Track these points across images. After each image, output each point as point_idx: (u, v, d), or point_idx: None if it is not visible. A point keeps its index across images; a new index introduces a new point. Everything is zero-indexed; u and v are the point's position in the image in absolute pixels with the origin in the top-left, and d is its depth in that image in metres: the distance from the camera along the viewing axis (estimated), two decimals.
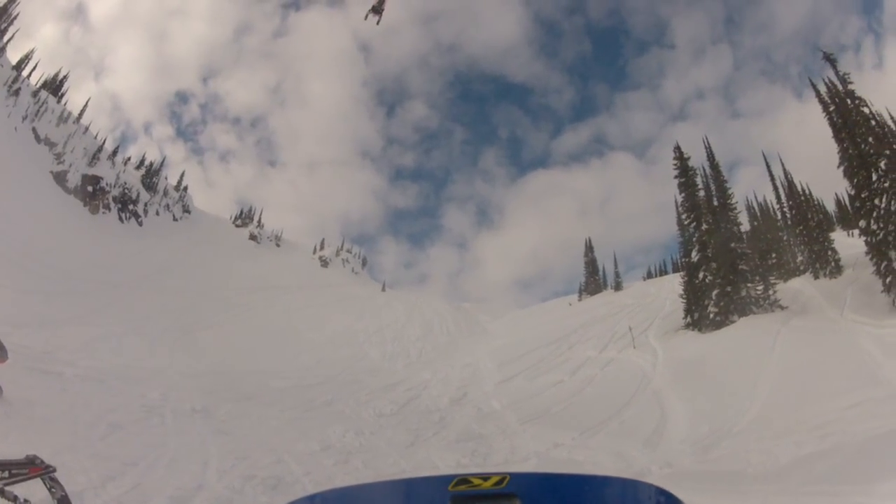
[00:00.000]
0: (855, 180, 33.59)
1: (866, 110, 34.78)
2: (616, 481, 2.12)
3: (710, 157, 42.72)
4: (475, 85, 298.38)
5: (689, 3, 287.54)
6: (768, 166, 57.04)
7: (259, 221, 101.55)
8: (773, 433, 16.03)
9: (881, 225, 30.80)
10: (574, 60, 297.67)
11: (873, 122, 34.68)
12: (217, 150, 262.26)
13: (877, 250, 30.88)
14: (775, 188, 56.17)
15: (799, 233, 47.45)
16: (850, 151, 34.24)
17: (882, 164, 31.20)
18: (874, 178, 31.47)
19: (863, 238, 33.39)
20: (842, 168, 35.02)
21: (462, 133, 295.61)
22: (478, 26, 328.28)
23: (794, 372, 21.28)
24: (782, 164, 57.21)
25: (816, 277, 41.36)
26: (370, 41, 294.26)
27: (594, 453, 15.53)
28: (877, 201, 31.30)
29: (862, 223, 32.87)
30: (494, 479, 1.91)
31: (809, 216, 49.86)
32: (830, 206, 74.06)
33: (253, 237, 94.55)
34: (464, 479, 1.93)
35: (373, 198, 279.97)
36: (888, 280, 29.47)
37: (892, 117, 42.40)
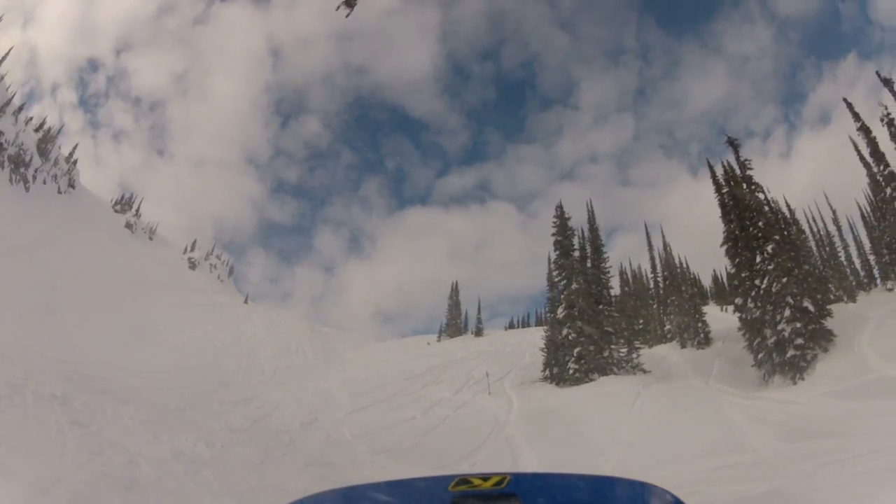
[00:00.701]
0: (737, 260, 36.48)
1: (761, 196, 37.99)
2: (616, 481, 2.36)
3: (591, 219, 45.07)
4: (373, 111, 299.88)
5: (605, 68, 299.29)
6: (648, 236, 61.17)
7: (137, 210, 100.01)
8: (647, 475, 17.16)
9: (759, 304, 33.62)
10: (476, 105, 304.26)
11: (767, 208, 37.92)
12: (112, 128, 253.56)
13: (751, 327, 33.74)
14: (651, 258, 60.08)
15: (671, 302, 50.71)
16: (737, 232, 37.11)
17: (769, 248, 34.10)
18: (758, 259, 34.32)
19: (737, 314, 36.29)
20: (725, 247, 37.92)
21: (350, 157, 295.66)
22: (391, 54, 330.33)
23: (655, 432, 22.61)
24: (663, 236, 61.53)
25: (683, 346, 44.30)
26: (282, 47, 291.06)
27: None
28: (757, 281, 34.13)
29: (738, 300, 35.72)
30: (495, 480, 2.11)
31: (684, 288, 53.46)
32: (707, 281, 79.51)
33: (129, 225, 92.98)
34: (464, 480, 2.13)
35: (250, 206, 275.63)
36: (760, 356, 32.37)
37: (787, 205, 46.08)
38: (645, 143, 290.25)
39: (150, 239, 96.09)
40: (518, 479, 2.15)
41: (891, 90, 33.62)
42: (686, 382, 33.31)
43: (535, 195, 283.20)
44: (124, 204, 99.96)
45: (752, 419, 22.81)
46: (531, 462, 19.42)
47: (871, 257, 58.56)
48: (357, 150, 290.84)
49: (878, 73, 34.40)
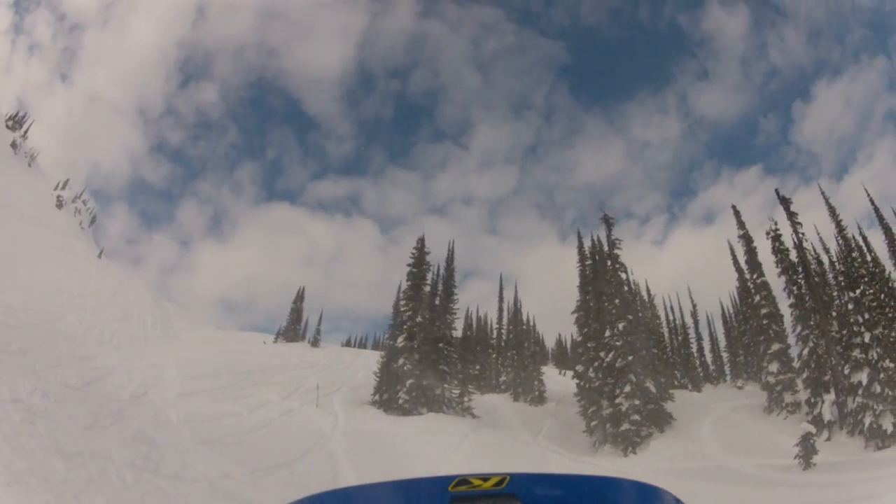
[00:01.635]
0: (585, 329, 39.37)
1: (623, 275, 41.06)
2: (616, 482, 2.52)
3: (450, 259, 47.89)
4: (271, 96, 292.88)
5: (505, 118, 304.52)
6: (501, 287, 64.73)
7: (26, 132, 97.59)
8: None
9: (600, 375, 36.49)
10: (370, 118, 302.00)
11: (626, 288, 41.03)
12: (32, 38, 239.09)
13: (589, 395, 36.59)
14: (500, 308, 63.20)
15: (510, 355, 53.58)
16: (591, 304, 40.01)
17: (620, 325, 37.07)
18: (608, 333, 37.25)
19: (576, 380, 39.04)
20: (576, 315, 40.77)
21: (235, 136, 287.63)
22: (306, 45, 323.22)
23: (482, 468, 24.54)
24: (516, 290, 64.72)
25: (516, 400, 46.95)
26: (209, 6, 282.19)
27: (262, 494, 17.07)
28: (602, 354, 37.10)
29: (580, 367, 38.63)
30: (495, 480, 2.22)
31: (526, 344, 56.44)
32: (550, 342, 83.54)
33: (14, 145, 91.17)
34: (464, 480, 2.24)
35: (127, 159, 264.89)
36: (593, 423, 35.10)
37: (648, 289, 49.54)
38: (523, 198, 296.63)
39: (29, 165, 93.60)
40: (518, 479, 2.29)
41: (786, 209, 37.20)
42: (515, 434, 35.63)
43: (401, 221, 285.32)
44: (17, 120, 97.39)
45: None
46: (350, 483, 20.35)
47: (725, 354, 63.82)
48: (244, 131, 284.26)
49: (777, 190, 38.00)
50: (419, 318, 41.94)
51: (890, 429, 29.02)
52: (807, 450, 26.05)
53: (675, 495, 2.37)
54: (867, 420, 29.81)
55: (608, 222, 44.92)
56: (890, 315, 43.58)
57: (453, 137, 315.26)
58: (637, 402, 35.62)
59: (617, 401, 35.77)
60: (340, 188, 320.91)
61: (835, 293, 43.60)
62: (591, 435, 36.06)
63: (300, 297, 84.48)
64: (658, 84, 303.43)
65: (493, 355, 62.69)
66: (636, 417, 35.01)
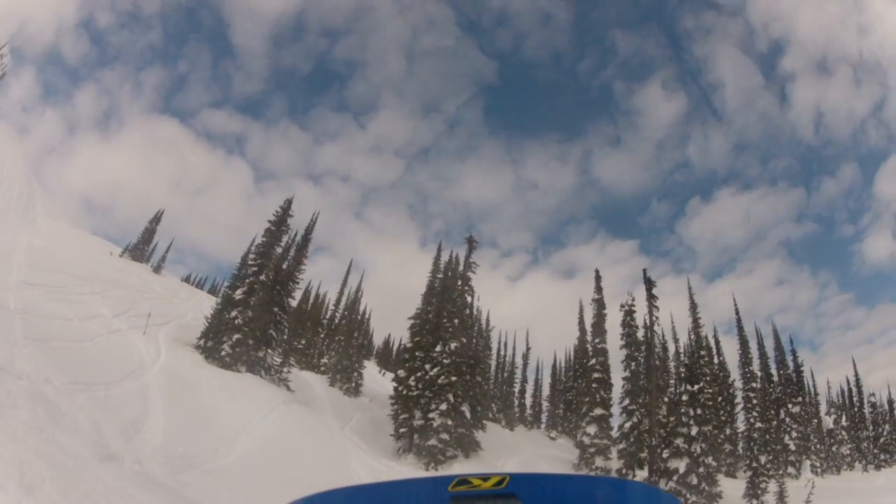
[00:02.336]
0: (417, 339, 41.06)
1: (469, 299, 43.40)
2: (616, 482, 2.61)
3: (309, 229, 50.04)
4: (205, 11, 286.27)
5: (412, 113, 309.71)
6: (348, 273, 67.03)
7: None
8: (258, 483, 19.82)
9: (420, 386, 38.08)
10: (286, 67, 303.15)
11: (468, 311, 43.54)
12: None
13: (405, 402, 37.99)
14: (341, 293, 65.08)
15: (338, 340, 55.29)
16: (430, 316, 41.92)
17: (452, 345, 38.93)
18: (439, 348, 38.90)
19: (395, 384, 40.58)
20: (412, 321, 42.66)
21: (157, 37, 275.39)
22: None
23: (282, 448, 25.48)
24: (361, 280, 68.45)
25: (332, 384, 48.31)
26: None
27: (75, 408, 17.18)
28: (428, 366, 38.63)
29: (402, 373, 40.01)
30: (494, 480, 2.36)
31: (356, 335, 58.26)
32: (378, 339, 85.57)
33: None
34: (464, 480, 2.38)
35: (55, 26, 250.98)
36: (402, 430, 36.56)
37: (488, 319, 52.43)
38: (399, 194, 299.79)
39: None
40: (518, 479, 2.38)
41: (648, 290, 39.71)
42: (324, 419, 36.49)
43: (276, 176, 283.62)
44: None
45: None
46: (160, 423, 21.09)
47: (546, 403, 67.53)
48: (167, 35, 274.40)
49: (644, 270, 40.37)
50: (263, 277, 42.70)
51: None
52: None
53: (675, 496, 2.49)
54: None
55: (471, 244, 46.96)
56: (723, 418, 47.51)
57: (355, 114, 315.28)
58: (450, 422, 37.23)
59: (430, 415, 37.20)
60: (232, 124, 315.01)
61: (672, 381, 47.11)
62: (398, 440, 37.35)
63: (157, 219, 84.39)
64: (569, 134, 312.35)
65: (322, 335, 64.11)
66: (445, 436, 36.57)
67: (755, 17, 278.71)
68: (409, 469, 33.54)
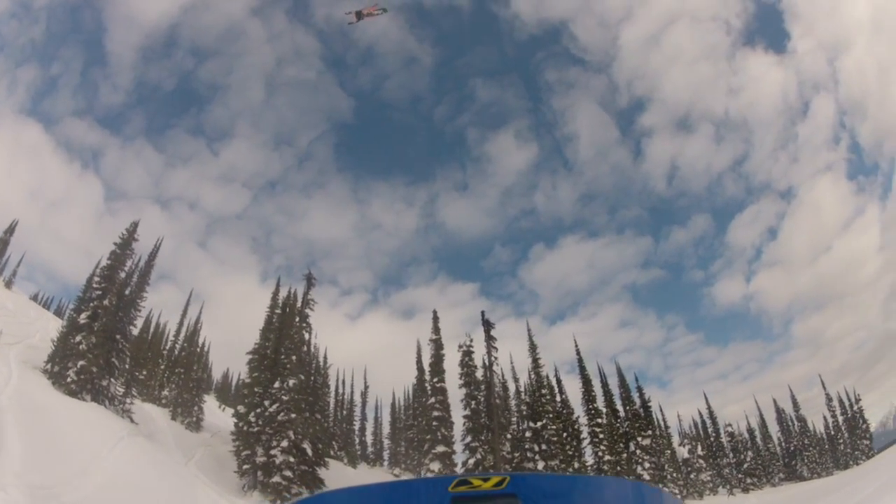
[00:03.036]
0: (256, 374, 41.03)
1: (307, 336, 44.98)
2: (616, 482, 2.83)
3: (153, 255, 48.95)
4: (87, 12, 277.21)
5: (264, 145, 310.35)
6: (188, 303, 65.98)
7: None
8: None
9: (261, 423, 37.95)
10: (151, 81, 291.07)
11: (306, 349, 44.36)
12: None
13: (246, 438, 37.80)
14: (181, 323, 63.78)
15: (177, 372, 54.54)
16: (268, 352, 42.50)
17: (291, 381, 39.72)
18: (278, 384, 39.31)
19: (235, 419, 40.32)
20: (251, 356, 42.52)
21: (40, 32, 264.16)
22: None
23: (135, 478, 25.45)
24: (200, 311, 66.90)
25: (174, 419, 47.45)
26: None
27: None
28: (268, 403, 38.57)
29: (242, 409, 39.77)
30: (495, 480, 2.43)
31: (196, 367, 57.53)
32: (217, 373, 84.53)
33: None
34: (464, 480, 2.45)
35: None
36: (245, 467, 36.11)
37: (325, 356, 52.94)
38: (243, 226, 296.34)
39: None
40: (518, 479, 2.45)
41: (487, 332, 40.87)
42: (170, 454, 36.04)
43: (126, 197, 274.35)
44: None
45: None
46: (17, 451, 20.62)
47: (387, 441, 68.72)
48: (49, 34, 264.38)
49: (483, 312, 41.45)
50: (106, 302, 41.60)
51: None
52: None
53: (676, 496, 2.64)
54: None
55: (309, 280, 47.55)
56: (570, 452, 48.94)
57: (210, 139, 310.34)
58: (292, 459, 37.28)
59: (272, 452, 37.21)
60: (91, 136, 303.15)
61: (514, 419, 48.34)
62: (242, 477, 37.07)
63: (11, 230, 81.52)
64: (417, 177, 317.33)
65: (163, 367, 62.55)
66: (288, 474, 36.58)
67: (620, 75, 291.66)
68: None
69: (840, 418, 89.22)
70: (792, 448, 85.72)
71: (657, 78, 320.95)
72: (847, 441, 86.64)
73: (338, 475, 44.28)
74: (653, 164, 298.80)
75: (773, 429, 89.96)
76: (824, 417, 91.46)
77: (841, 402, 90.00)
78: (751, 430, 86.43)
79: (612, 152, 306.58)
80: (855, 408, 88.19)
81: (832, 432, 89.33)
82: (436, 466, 43.99)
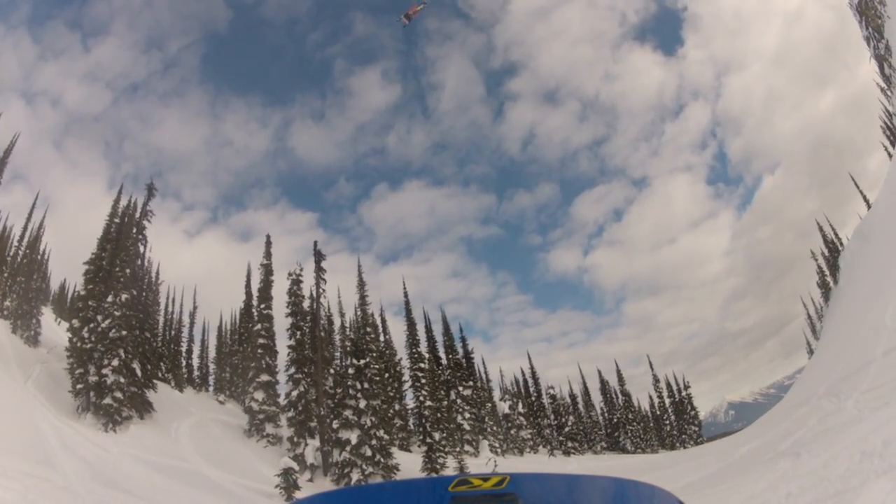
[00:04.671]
0: (91, 286, 39.55)
1: (142, 249, 44.79)
2: (616, 482, 2.63)
3: (9, 150, 48.54)
4: None
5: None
6: (34, 206, 60.67)
7: None
8: None
9: (93, 339, 36.38)
10: None
11: (140, 263, 45.04)
12: None
13: (79, 356, 36.26)
14: (26, 227, 59.52)
15: (18, 281, 50.84)
16: (104, 264, 41.06)
17: (124, 296, 39.05)
18: (110, 299, 38.64)
19: (69, 335, 38.66)
20: (87, 267, 40.57)
21: None
22: None
23: None
24: (44, 216, 61.36)
25: (14, 331, 44.63)
26: None
27: None
28: (100, 318, 37.38)
29: (76, 323, 37.89)
30: (495, 480, 2.38)
31: (36, 276, 54.07)
32: (55, 284, 79.67)
33: None
34: (464, 480, 2.40)
35: None
36: (79, 387, 34.64)
37: (158, 272, 51.17)
38: (100, 128, 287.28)
39: None
40: (518, 479, 2.40)
41: (317, 262, 41.85)
42: (9, 371, 34.56)
43: None
44: None
45: (65, 445, 25.38)
46: None
47: (212, 365, 67.80)
48: None
49: (315, 242, 42.02)
50: None
51: None
52: (288, 483, 28.77)
53: (677, 496, 2.56)
54: (354, 476, 33.44)
55: (150, 191, 45.94)
56: (391, 394, 49.12)
57: (85, 34, 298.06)
58: (122, 379, 36.18)
59: (104, 371, 36.01)
60: None
61: (338, 354, 48.22)
62: (76, 397, 35.49)
63: None
64: (275, 99, 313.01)
65: (6, 274, 58.57)
66: (119, 395, 35.37)
67: (501, 37, 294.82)
68: (89, 431, 32.16)
69: (667, 401, 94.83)
70: (615, 420, 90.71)
71: (537, 48, 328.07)
72: (674, 423, 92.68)
73: (166, 398, 43.37)
74: (511, 128, 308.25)
75: (597, 399, 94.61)
76: (650, 396, 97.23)
77: (669, 385, 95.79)
78: (573, 396, 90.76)
79: (473, 108, 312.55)
80: (683, 393, 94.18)
81: (658, 412, 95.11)
82: (259, 396, 43.88)
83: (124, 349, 37.28)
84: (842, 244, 68.10)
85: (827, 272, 72.54)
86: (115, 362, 36.42)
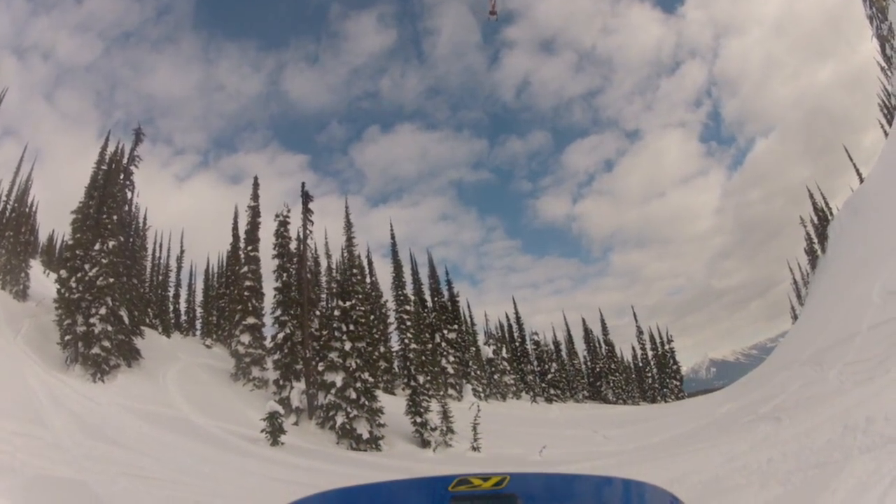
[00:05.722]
0: (78, 235, 39.51)
1: (130, 195, 45.99)
2: (616, 481, 2.68)
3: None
4: None
5: None
6: (22, 158, 60.27)
7: None
8: None
9: (81, 288, 36.72)
10: None
11: (127, 209, 46.10)
12: None
13: (68, 306, 36.58)
14: (14, 182, 59.25)
15: (8, 237, 50.81)
16: (92, 212, 41.16)
17: (111, 243, 39.41)
18: (98, 247, 39.04)
19: (57, 286, 38.85)
20: (74, 216, 40.78)
21: None
22: None
23: None
24: (32, 168, 60.78)
25: (3, 287, 44.91)
26: None
27: None
28: (87, 266, 37.87)
29: (64, 273, 38.13)
30: (495, 480, 2.45)
31: (24, 230, 53.65)
32: (44, 234, 79.18)
33: None
34: (464, 480, 2.47)
35: None
36: (67, 338, 35.14)
37: (146, 217, 51.09)
38: (91, 79, 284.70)
39: None
40: (518, 479, 2.47)
41: (304, 204, 41.39)
42: (2, 328, 35.34)
43: None
44: None
45: (54, 399, 25.89)
46: None
47: (199, 309, 68.65)
48: None
49: (303, 184, 41.74)
50: None
51: (365, 434, 33.93)
52: (274, 427, 29.24)
53: (675, 495, 2.57)
54: (339, 419, 33.99)
55: (138, 136, 45.87)
56: (377, 336, 49.79)
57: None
58: (110, 328, 36.61)
59: (91, 320, 36.36)
60: None
61: (324, 295, 48.77)
62: (65, 349, 35.94)
63: None
64: (270, 43, 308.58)
65: None
66: (107, 344, 35.83)
67: None
68: (77, 382, 32.63)
69: (650, 353, 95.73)
70: (598, 369, 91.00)
71: None
72: (656, 376, 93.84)
73: (153, 345, 43.96)
74: (505, 75, 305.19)
75: (580, 347, 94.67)
76: (633, 348, 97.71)
77: (652, 337, 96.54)
78: (557, 343, 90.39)
79: (469, 55, 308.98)
80: (666, 347, 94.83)
81: (640, 364, 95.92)
82: (246, 339, 44.73)
83: (112, 297, 37.58)
84: (832, 213, 69.00)
85: (815, 239, 73.50)
86: (103, 310, 36.68)
